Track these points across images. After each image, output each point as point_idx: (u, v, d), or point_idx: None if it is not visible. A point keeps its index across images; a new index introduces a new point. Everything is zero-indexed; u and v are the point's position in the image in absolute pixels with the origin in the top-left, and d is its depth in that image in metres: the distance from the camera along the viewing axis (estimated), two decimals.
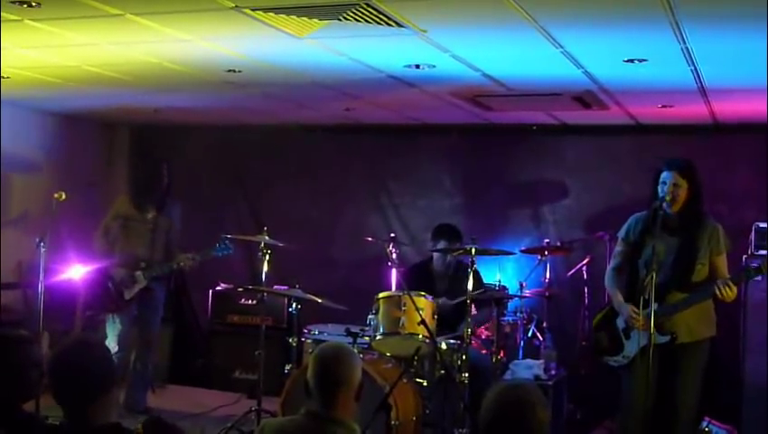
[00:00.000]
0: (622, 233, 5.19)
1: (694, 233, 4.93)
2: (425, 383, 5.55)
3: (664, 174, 4.93)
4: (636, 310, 4.85)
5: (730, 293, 4.79)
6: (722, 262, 4.99)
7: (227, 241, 6.57)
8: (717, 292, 4.77)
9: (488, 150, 7.99)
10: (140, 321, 6.67)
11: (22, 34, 4.72)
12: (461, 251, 5.83)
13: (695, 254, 4.92)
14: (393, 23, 4.16)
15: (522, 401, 2.74)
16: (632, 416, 4.97)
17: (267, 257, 6.09)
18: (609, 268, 5.29)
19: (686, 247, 4.92)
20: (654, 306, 4.69)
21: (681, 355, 4.96)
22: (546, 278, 7.14)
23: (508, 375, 6.07)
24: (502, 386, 2.86)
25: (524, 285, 6.98)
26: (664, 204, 4.86)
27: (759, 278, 5.90)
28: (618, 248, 5.23)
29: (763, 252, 6.04)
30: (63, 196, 5.90)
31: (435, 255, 6.38)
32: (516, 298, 6.82)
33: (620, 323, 5.11)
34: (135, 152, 8.92)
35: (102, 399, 2.87)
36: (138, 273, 6.48)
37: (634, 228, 5.11)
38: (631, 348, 5.00)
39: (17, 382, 3.01)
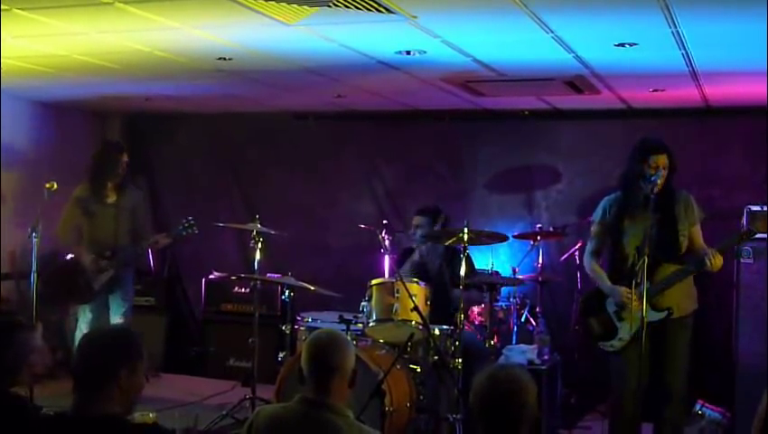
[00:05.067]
0: (597, 216, 5.20)
1: (670, 205, 4.96)
2: (418, 369, 5.56)
3: (653, 158, 4.92)
4: (629, 291, 4.86)
5: (717, 262, 4.81)
6: (697, 232, 5.03)
7: (191, 221, 6.54)
8: (708, 263, 4.78)
9: (480, 136, 7.99)
10: (111, 306, 6.59)
11: (11, 24, 4.69)
12: (453, 239, 5.81)
13: (676, 225, 4.94)
14: (383, 10, 4.15)
15: (512, 382, 2.77)
16: (626, 397, 4.98)
17: (260, 245, 6.10)
18: (587, 252, 5.28)
19: (666, 220, 4.92)
20: (647, 284, 4.71)
21: (669, 332, 4.98)
22: (539, 263, 7.15)
23: (501, 360, 6.08)
24: (492, 369, 2.88)
25: (517, 270, 6.99)
26: (655, 189, 4.86)
27: (750, 260, 5.96)
28: (594, 230, 5.23)
29: (756, 235, 6.04)
30: (55, 186, 5.88)
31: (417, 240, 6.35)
32: (509, 284, 6.84)
33: (610, 306, 5.10)
34: (127, 140, 8.89)
35: (109, 386, 2.79)
36: (104, 262, 6.44)
37: (609, 210, 5.12)
38: (625, 330, 5.00)
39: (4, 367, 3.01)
